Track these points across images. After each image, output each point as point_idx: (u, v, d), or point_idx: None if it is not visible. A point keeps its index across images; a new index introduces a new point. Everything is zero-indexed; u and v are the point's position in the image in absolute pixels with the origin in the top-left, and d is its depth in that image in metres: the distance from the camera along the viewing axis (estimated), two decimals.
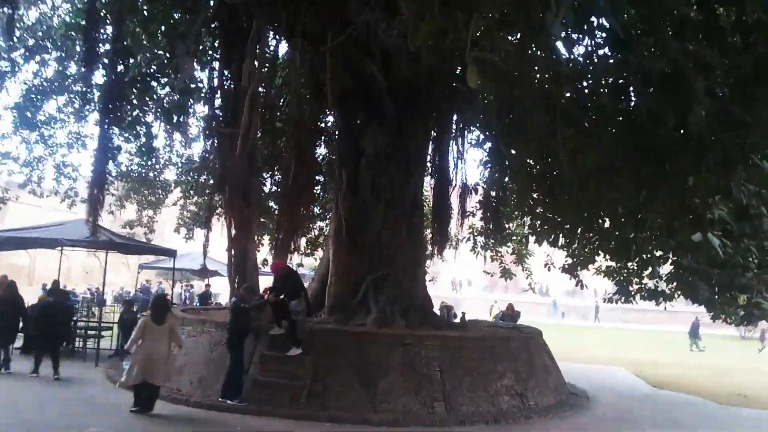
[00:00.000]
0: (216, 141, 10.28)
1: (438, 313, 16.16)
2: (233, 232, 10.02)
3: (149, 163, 17.94)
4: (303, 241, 19.43)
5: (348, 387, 9.18)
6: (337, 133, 12.82)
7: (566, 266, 14.71)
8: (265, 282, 11.55)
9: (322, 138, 15.02)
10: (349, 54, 10.91)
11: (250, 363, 9.58)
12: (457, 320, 14.70)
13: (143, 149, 12.65)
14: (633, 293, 14.13)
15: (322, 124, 14.09)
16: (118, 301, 27.80)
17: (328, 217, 15.32)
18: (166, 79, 11.24)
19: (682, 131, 5.03)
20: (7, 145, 17.04)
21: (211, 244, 13.81)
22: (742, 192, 5.60)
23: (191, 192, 18.12)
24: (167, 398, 9.29)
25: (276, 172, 13.63)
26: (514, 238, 16.61)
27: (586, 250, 14.44)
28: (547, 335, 12.67)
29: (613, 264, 14.43)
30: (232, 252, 10.09)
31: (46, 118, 16.46)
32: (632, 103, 5.50)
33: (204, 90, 10.85)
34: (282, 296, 9.44)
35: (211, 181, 13.16)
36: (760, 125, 4.76)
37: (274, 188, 13.81)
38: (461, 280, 52.59)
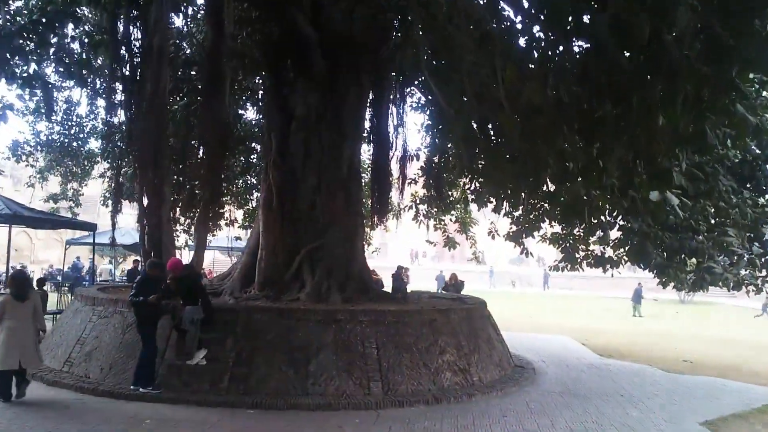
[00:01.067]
0: (122, 99, 8.95)
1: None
2: (144, 200, 8.80)
3: (71, 132, 16.45)
4: (240, 213, 18.39)
5: (275, 369, 8.30)
6: (263, 93, 11.55)
7: (510, 233, 14.22)
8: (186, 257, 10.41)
9: (249, 99, 13.73)
10: (274, 2, 9.75)
11: (165, 345, 8.52)
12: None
13: (42, 109, 11.12)
14: (579, 260, 13.77)
15: (245, 82, 12.74)
16: (49, 279, 25.90)
17: None
18: (66, 30, 9.76)
19: (648, 58, 4.17)
20: None
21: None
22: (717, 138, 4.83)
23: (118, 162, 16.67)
24: (72, 387, 8.27)
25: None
26: (458, 206, 15.92)
27: (531, 216, 14.03)
28: (491, 305, 12.06)
29: (558, 231, 14.07)
30: (144, 222, 8.89)
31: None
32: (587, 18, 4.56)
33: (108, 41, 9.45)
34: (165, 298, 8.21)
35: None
36: (746, 49, 3.91)
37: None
38: (418, 250, 52.12)
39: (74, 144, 16.70)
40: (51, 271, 29.84)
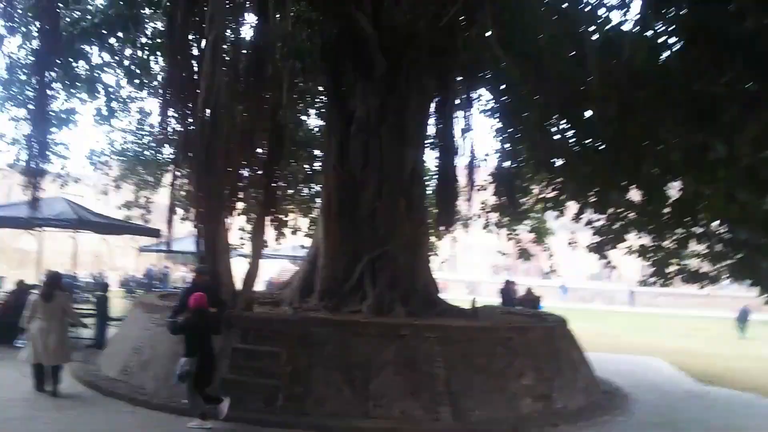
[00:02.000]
0: (174, 101, 8.60)
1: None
2: (199, 208, 8.37)
3: (143, 140, 16.76)
4: (306, 222, 18.00)
5: (334, 388, 7.59)
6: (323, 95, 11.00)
7: (593, 245, 12.97)
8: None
9: (311, 105, 13.20)
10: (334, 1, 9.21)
11: (220, 357, 7.97)
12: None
13: (105, 112, 11.05)
14: (671, 275, 12.35)
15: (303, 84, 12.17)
16: (124, 286, 26.70)
17: None
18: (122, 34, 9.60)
19: None
20: None
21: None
22: None
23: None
24: (126, 398, 7.92)
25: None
26: (532, 214, 14.78)
27: (616, 226, 12.74)
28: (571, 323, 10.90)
29: (647, 243, 12.70)
30: (199, 232, 8.45)
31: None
32: None
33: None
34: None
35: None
36: None
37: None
38: (499, 264, 50.44)
39: (146, 153, 16.95)
40: (127, 277, 30.75)
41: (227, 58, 8.43)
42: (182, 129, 8.58)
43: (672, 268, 12.24)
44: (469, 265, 52.48)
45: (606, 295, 45.15)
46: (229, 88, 7.91)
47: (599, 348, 14.86)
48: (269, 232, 18.35)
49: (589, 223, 12.91)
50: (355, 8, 9.35)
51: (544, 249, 15.30)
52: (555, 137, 9.94)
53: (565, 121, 9.60)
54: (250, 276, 8.94)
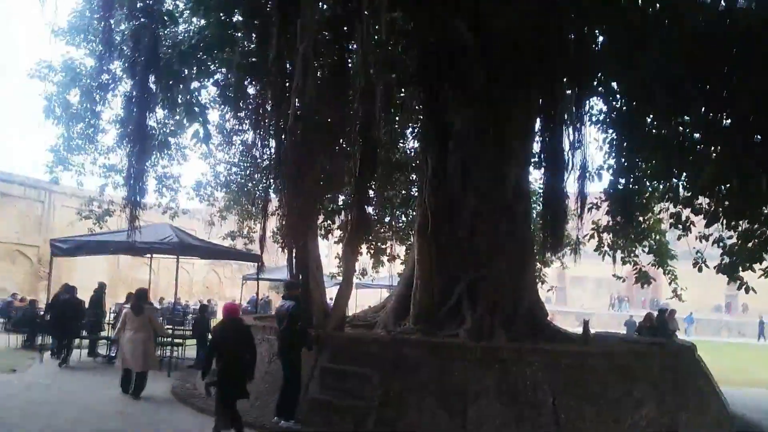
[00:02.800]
0: (266, 119, 8.66)
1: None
2: (289, 224, 8.28)
3: (247, 172, 17.29)
4: (402, 249, 17.63)
5: (427, 413, 7.08)
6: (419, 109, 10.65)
7: (724, 265, 11.48)
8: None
9: (408, 124, 12.85)
10: (431, 9, 8.91)
11: (310, 377, 7.73)
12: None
13: (201, 135, 11.41)
14: None
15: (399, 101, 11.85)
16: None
17: None
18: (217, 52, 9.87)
19: None
20: (112, 158, 17.22)
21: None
22: None
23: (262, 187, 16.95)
24: (209, 411, 7.79)
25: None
26: (653, 233, 13.42)
27: (750, 244, 11.23)
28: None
29: None
30: (289, 249, 8.34)
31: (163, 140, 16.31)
32: None
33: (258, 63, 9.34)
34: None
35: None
36: None
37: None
38: (621, 295, 47.40)
39: (249, 184, 17.44)
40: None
41: (319, 73, 8.35)
42: (275, 146, 8.58)
43: None
44: (579, 299, 49.47)
45: (733, 326, 40.60)
46: (320, 101, 7.87)
47: (731, 382, 13.08)
48: (367, 260, 18.30)
49: (718, 241, 11.52)
50: (453, 15, 8.97)
51: (665, 272, 13.78)
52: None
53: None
54: (341, 296, 8.68)
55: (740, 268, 11.34)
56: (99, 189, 16.92)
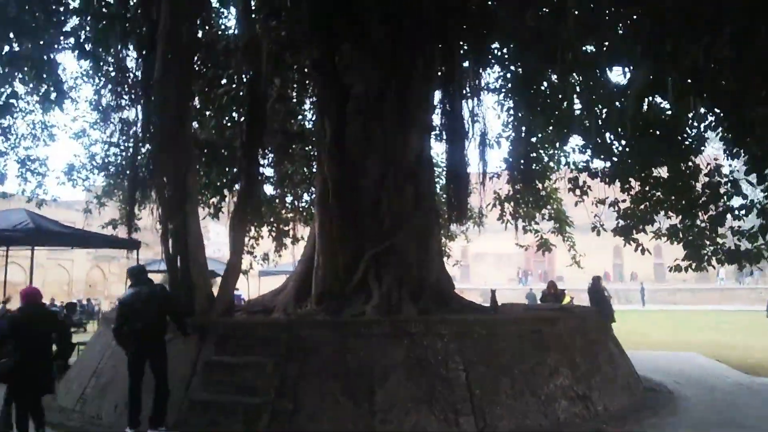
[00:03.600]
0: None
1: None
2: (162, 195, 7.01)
3: (127, 153, 15.30)
4: (308, 231, 16.52)
5: (331, 401, 6.20)
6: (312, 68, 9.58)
7: (618, 227, 11.53)
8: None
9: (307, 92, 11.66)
10: None
11: (192, 374, 6.59)
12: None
13: (52, 98, 9.53)
14: (707, 257, 10.88)
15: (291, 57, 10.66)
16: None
17: None
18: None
19: None
20: None
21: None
22: None
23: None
24: (79, 430, 6.53)
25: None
26: (552, 199, 13.30)
27: (642, 206, 11.34)
28: None
29: (677, 223, 11.26)
30: (163, 226, 7.08)
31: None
32: None
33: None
34: None
35: None
36: None
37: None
38: (527, 269, 48.43)
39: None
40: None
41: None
42: (143, 105, 7.23)
43: (707, 249, 10.84)
44: (482, 275, 50.45)
45: (621, 294, 43.07)
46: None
47: (630, 345, 13.32)
48: (270, 245, 17.01)
49: (614, 204, 11.52)
50: None
51: (565, 239, 13.75)
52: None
53: None
54: (229, 275, 7.56)
55: (634, 231, 11.45)
56: None
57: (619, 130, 10.23)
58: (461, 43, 9.67)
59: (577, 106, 10.37)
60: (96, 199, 16.13)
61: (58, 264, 25.23)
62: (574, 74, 9.27)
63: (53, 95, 9.31)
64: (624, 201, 11.52)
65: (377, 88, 9.03)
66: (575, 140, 11.64)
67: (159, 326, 6.29)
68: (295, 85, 10.51)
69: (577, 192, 11.97)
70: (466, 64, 10.86)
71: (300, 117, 12.31)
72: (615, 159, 11.08)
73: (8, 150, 15.04)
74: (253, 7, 7.65)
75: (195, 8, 6.71)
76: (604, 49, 8.47)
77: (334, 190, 8.98)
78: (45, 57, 8.06)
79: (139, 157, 7.77)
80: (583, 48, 8.59)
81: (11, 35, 7.29)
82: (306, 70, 9.77)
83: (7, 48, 7.51)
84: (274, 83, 9.81)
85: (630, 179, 11.10)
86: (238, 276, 7.99)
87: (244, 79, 7.62)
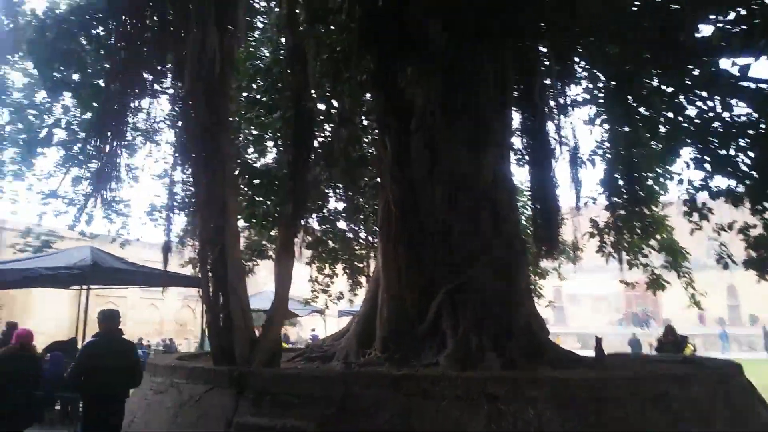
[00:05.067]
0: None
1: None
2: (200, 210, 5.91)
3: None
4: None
5: None
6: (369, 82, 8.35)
7: (750, 259, 9.18)
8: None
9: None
10: None
11: None
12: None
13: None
14: None
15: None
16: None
17: None
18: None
19: None
20: (53, 183, 15.00)
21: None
22: None
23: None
24: None
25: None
26: (662, 227, 11.07)
27: None
28: None
29: None
30: (203, 252, 5.95)
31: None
32: None
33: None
34: None
35: None
36: None
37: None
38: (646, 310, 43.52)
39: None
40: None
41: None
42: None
43: None
44: (579, 318, 46.15)
45: (742, 340, 37.32)
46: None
47: None
48: (344, 283, 15.84)
49: (743, 231, 9.23)
50: None
51: (680, 275, 11.37)
52: None
53: None
54: (275, 316, 6.24)
55: None
56: (37, 217, 14.61)
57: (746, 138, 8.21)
58: (538, 32, 8.09)
59: (691, 110, 8.38)
60: (176, 238, 15.84)
61: (150, 303, 25.53)
62: (688, 67, 7.36)
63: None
64: (755, 226, 9.23)
65: (442, 100, 7.63)
66: (688, 153, 9.55)
67: (123, 385, 5.55)
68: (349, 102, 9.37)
69: (695, 216, 9.83)
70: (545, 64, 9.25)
71: (367, 141, 11.13)
72: (741, 174, 8.91)
73: (95, 193, 15.16)
74: (298, 13, 6.58)
75: (226, 18, 5.74)
76: (729, 29, 6.55)
77: (398, 216, 7.55)
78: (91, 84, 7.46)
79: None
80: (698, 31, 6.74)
81: (57, 64, 6.71)
82: (362, 83, 8.60)
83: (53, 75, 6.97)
84: (331, 103, 8.76)
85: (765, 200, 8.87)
86: (283, 318, 6.67)
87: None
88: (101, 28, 6.74)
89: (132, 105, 8.32)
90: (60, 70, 6.87)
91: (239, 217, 10.24)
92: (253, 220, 9.65)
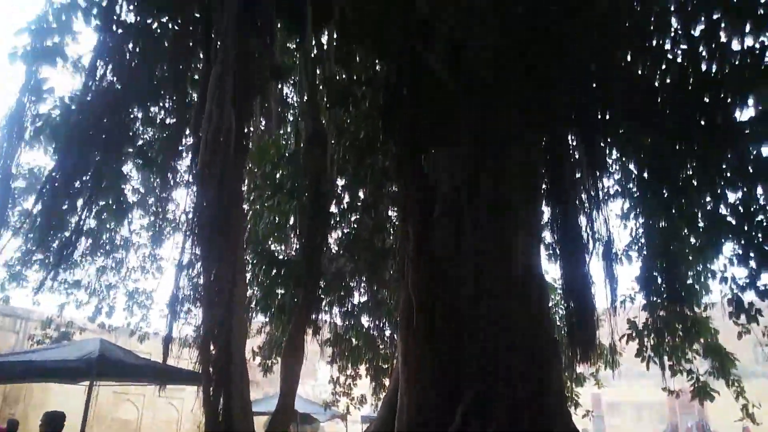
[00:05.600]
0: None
1: None
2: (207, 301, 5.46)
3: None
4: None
5: None
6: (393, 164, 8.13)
7: None
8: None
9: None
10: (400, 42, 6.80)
11: None
12: None
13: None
14: None
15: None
16: None
17: None
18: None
19: None
20: (77, 273, 14.97)
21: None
22: None
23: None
24: None
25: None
26: (705, 329, 10.15)
27: None
28: None
29: None
30: (204, 348, 5.43)
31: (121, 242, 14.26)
32: None
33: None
34: None
35: None
36: None
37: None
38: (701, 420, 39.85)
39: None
40: None
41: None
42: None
43: None
44: (621, 429, 42.57)
45: None
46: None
47: None
48: (367, 385, 14.87)
49: None
50: (425, 47, 6.76)
51: (729, 383, 10.27)
52: None
53: None
54: (278, 422, 5.57)
55: None
56: (58, 308, 14.43)
57: None
58: (567, 131, 7.86)
59: (731, 199, 7.86)
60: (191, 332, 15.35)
61: (168, 402, 24.48)
62: (727, 153, 6.95)
63: (113, 208, 8.66)
64: None
65: (467, 185, 7.31)
66: (730, 248, 8.90)
67: None
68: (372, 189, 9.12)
69: (742, 318, 9.00)
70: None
71: (391, 231, 10.77)
72: None
73: (119, 283, 15.06)
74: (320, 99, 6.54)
75: (246, 100, 5.70)
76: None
77: (420, 310, 6.98)
78: (112, 168, 7.44)
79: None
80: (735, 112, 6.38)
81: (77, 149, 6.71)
82: (384, 169, 8.39)
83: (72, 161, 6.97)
84: (354, 192, 8.56)
85: None
86: (289, 421, 5.98)
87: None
88: (125, 111, 6.85)
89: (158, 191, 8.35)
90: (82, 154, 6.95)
91: (257, 308, 9.81)
92: (270, 312, 9.19)
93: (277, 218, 8.70)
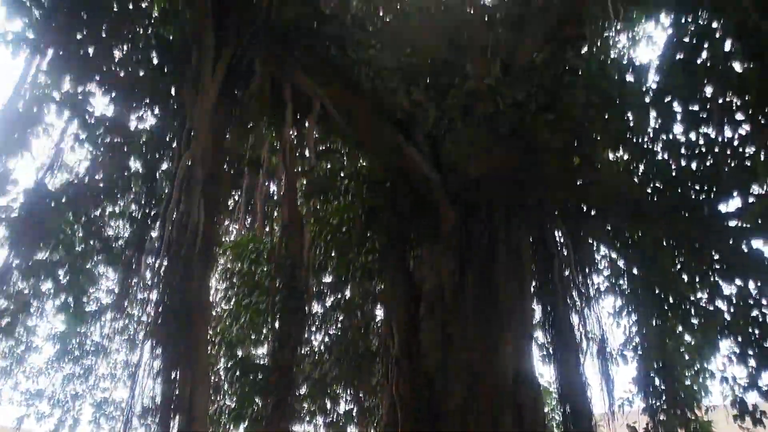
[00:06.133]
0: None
1: None
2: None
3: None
4: None
5: None
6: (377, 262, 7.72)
7: None
8: None
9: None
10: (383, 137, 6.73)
11: None
12: None
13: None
14: None
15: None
16: None
17: None
18: None
19: None
20: (41, 381, 13.94)
21: None
22: None
23: None
24: None
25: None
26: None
27: None
28: None
29: None
30: None
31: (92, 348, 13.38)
32: None
33: None
34: None
35: None
36: None
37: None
38: None
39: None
40: None
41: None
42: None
43: None
44: None
45: None
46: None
47: None
48: None
49: None
50: (405, 142, 6.65)
51: None
52: None
53: None
54: None
55: None
56: (16, 421, 13.29)
57: None
58: (553, 226, 7.67)
59: (725, 293, 7.55)
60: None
61: None
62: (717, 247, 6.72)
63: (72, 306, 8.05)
64: None
65: (453, 284, 6.93)
66: (727, 346, 8.46)
67: None
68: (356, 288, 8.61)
69: (747, 420, 8.39)
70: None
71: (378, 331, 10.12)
72: None
73: (86, 392, 14.05)
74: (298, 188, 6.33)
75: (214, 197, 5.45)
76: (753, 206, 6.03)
77: (406, 416, 6.34)
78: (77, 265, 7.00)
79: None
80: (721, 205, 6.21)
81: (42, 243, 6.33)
82: (367, 267, 8.00)
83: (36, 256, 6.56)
84: (336, 291, 8.12)
85: None
86: None
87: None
88: (91, 206, 6.57)
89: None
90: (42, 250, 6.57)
91: (229, 420, 8.97)
92: (243, 424, 8.36)
93: (253, 319, 8.17)
